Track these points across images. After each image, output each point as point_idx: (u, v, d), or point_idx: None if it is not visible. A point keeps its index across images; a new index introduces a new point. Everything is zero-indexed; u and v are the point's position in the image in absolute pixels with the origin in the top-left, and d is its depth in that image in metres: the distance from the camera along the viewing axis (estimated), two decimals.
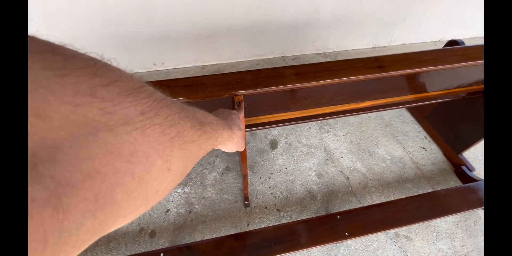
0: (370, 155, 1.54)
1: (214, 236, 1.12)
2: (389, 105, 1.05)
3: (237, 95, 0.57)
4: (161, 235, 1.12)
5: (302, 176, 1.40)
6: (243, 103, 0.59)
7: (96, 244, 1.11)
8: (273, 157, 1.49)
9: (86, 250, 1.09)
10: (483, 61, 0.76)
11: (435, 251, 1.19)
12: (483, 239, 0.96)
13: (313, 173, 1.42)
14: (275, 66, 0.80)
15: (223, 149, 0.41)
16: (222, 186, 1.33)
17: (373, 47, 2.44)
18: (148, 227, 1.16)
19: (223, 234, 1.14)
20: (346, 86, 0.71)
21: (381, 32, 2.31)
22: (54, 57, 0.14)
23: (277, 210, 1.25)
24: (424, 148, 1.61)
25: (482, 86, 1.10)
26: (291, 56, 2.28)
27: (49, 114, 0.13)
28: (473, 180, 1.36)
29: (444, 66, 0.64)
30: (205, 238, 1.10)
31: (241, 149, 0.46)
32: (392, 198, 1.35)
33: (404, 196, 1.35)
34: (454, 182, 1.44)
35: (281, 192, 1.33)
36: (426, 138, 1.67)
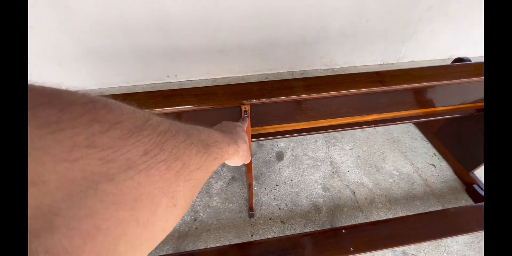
0: (377, 170, 1.53)
1: (218, 245, 1.12)
2: (394, 119, 1.07)
3: (244, 104, 0.61)
4: (166, 242, 1.13)
5: (307, 189, 1.40)
6: (249, 112, 0.63)
7: None
8: (279, 168, 1.50)
9: None
10: (483, 78, 0.78)
11: None
12: None
13: (319, 186, 1.41)
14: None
15: (229, 164, 0.41)
16: (227, 195, 1.34)
17: (381, 64, 2.48)
18: None
19: (226, 243, 1.14)
20: (350, 99, 0.74)
21: (389, 49, 2.36)
22: (50, 110, 0.13)
23: (282, 222, 1.25)
24: (433, 165, 1.58)
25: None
26: (299, 71, 2.35)
27: (44, 178, 0.12)
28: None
29: (443, 82, 0.66)
30: (208, 247, 1.10)
31: (247, 161, 0.45)
32: (400, 215, 1.32)
33: (412, 213, 1.31)
34: (465, 201, 1.40)
35: (286, 204, 1.32)
36: (435, 155, 1.64)
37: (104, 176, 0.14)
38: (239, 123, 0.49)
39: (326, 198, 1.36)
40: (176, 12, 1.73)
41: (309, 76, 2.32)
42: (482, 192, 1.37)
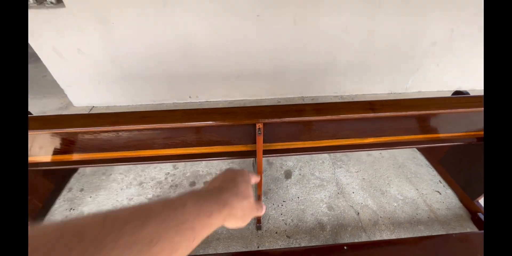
0: (381, 193, 1.58)
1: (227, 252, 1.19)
2: (393, 143, 1.18)
3: (259, 122, 0.76)
4: None
5: (313, 207, 1.47)
6: (262, 130, 0.77)
7: None
8: (287, 186, 1.59)
9: None
10: (465, 109, 0.90)
11: None
12: None
13: (324, 205, 1.49)
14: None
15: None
16: None
17: (389, 93, 2.63)
18: None
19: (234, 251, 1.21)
20: (349, 124, 0.87)
21: (396, 79, 2.52)
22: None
23: (287, 236, 1.31)
24: (438, 192, 1.62)
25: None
26: (309, 96, 2.53)
27: None
28: None
29: (426, 112, 0.79)
30: (218, 252, 1.18)
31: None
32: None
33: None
34: (470, 229, 1.41)
35: (292, 219, 1.40)
36: (440, 182, 1.68)
37: None
38: (245, 174, 0.43)
39: (330, 217, 1.42)
40: (199, 43, 2.01)
41: (319, 101, 2.50)
42: None
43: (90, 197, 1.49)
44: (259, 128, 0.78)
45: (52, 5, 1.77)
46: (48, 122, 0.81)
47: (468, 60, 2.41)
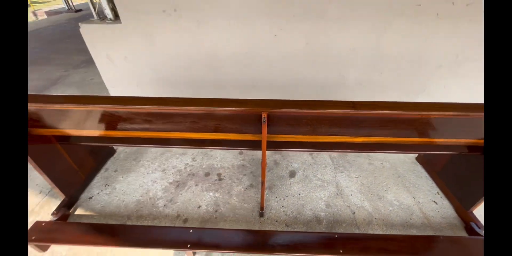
0: (378, 198, 1.70)
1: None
2: (385, 146, 1.34)
3: (264, 111, 1.00)
4: (192, 223, 1.42)
5: (312, 203, 1.62)
6: (267, 119, 1.00)
7: (145, 218, 1.46)
8: (290, 183, 1.77)
9: (134, 220, 1.43)
10: (434, 114, 1.07)
11: None
12: None
13: (323, 203, 1.63)
14: None
15: None
16: (244, 197, 1.63)
17: None
18: (183, 215, 1.48)
19: None
20: (337, 121, 1.06)
21: (402, 99, 2.67)
22: None
23: (286, 225, 1.47)
24: (435, 202, 1.71)
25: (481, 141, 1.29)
26: None
27: None
28: (479, 236, 1.41)
29: (400, 112, 0.97)
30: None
31: None
32: None
33: None
34: None
35: (291, 212, 1.55)
36: (438, 194, 1.77)
37: None
38: None
39: (327, 213, 1.56)
40: (223, 56, 2.34)
41: None
42: (478, 230, 1.46)
43: (122, 177, 1.76)
44: (264, 117, 1.01)
45: (111, 21, 2.22)
46: (103, 100, 1.09)
47: (475, 84, 2.52)
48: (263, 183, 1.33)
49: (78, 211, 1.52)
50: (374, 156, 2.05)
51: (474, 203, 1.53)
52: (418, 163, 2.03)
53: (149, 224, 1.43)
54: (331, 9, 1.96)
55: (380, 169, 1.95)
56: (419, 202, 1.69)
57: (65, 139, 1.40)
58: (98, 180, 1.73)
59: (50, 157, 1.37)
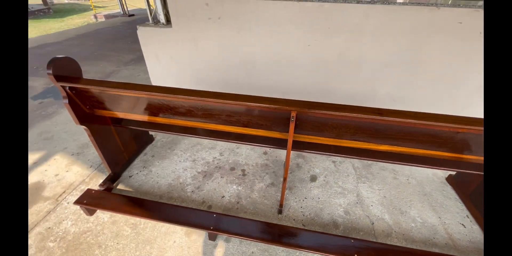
0: (400, 212, 1.67)
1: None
2: (410, 158, 1.34)
3: (292, 110, 1.08)
4: (215, 210, 1.54)
5: (330, 208, 1.65)
6: (295, 117, 1.09)
7: (174, 200, 1.61)
8: (310, 187, 1.81)
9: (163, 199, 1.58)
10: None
11: None
12: None
13: (341, 209, 1.65)
14: None
15: None
16: (265, 194, 1.71)
17: None
18: (208, 202, 1.61)
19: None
20: (365, 127, 1.10)
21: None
22: None
23: (303, 225, 1.51)
24: (463, 225, 1.63)
25: None
26: None
27: None
28: None
29: (425, 122, 0.98)
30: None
31: None
32: None
33: None
34: None
35: (309, 213, 1.59)
36: (468, 217, 1.68)
37: None
38: None
39: (345, 220, 1.57)
40: (259, 61, 2.50)
41: None
42: None
43: (158, 162, 1.95)
44: (292, 116, 1.10)
45: (163, 25, 2.52)
46: (154, 89, 1.26)
47: None
48: (284, 179, 1.41)
49: (120, 186, 1.73)
50: (400, 171, 2.01)
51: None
52: (448, 184, 1.95)
53: (178, 204, 1.58)
54: (367, 23, 2.03)
55: (405, 185, 1.91)
56: (445, 222, 1.63)
57: (118, 122, 1.63)
58: (137, 162, 1.94)
59: (105, 136, 1.60)
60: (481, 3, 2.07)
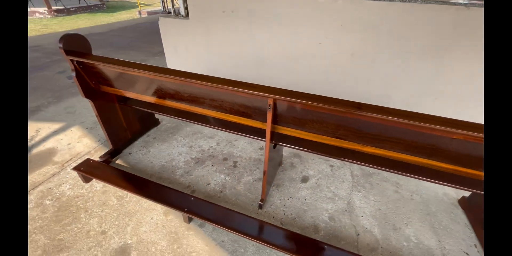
0: (393, 228, 1.52)
1: None
2: (403, 166, 1.22)
3: (269, 98, 1.04)
4: (197, 195, 1.56)
5: (315, 211, 1.56)
6: (273, 106, 1.05)
7: (163, 180, 1.67)
8: (299, 188, 1.74)
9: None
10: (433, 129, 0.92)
11: None
12: None
13: (327, 214, 1.55)
14: None
15: None
16: (250, 187, 1.68)
17: None
18: (193, 187, 1.65)
19: None
20: (348, 123, 1.01)
21: None
22: None
23: (281, 223, 1.46)
24: (467, 254, 1.43)
25: None
26: None
27: None
28: None
29: (411, 122, 0.86)
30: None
31: None
32: None
33: None
34: None
35: (291, 213, 1.53)
36: (475, 247, 1.48)
37: None
38: None
39: (328, 225, 1.48)
40: (268, 56, 2.49)
41: None
42: None
43: (157, 144, 2.05)
44: (269, 104, 1.07)
45: (182, 17, 2.65)
46: (160, 70, 1.32)
47: None
48: (264, 172, 1.37)
49: (118, 161, 1.85)
50: (405, 185, 1.84)
51: None
52: (459, 207, 1.73)
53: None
54: (384, 22, 1.89)
55: (407, 200, 1.74)
56: (444, 247, 1.44)
57: (123, 100, 1.74)
58: (139, 142, 2.06)
59: (109, 113, 1.72)
60: None
